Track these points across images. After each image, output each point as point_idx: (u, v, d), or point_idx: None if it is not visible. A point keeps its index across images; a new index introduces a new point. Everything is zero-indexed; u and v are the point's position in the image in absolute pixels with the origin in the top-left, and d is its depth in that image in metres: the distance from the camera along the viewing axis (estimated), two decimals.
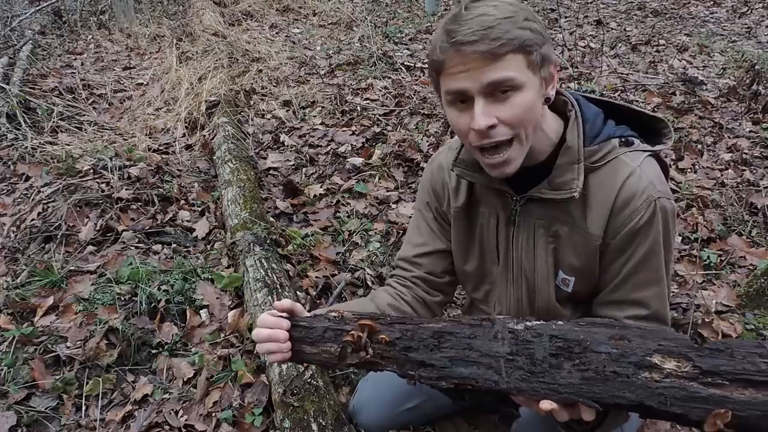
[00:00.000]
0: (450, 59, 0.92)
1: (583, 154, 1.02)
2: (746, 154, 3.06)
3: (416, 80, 4.23)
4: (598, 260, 1.09)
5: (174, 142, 3.39)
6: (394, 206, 2.75)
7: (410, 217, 2.63)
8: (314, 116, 3.68)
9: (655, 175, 1.03)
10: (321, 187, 2.88)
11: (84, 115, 3.72)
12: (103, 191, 2.66)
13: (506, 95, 0.92)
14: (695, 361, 0.75)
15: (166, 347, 1.91)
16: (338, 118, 3.62)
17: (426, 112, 3.57)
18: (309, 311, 2.05)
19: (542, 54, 0.94)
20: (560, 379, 0.80)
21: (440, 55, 0.93)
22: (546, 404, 0.80)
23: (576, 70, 4.21)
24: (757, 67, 3.90)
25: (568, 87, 3.81)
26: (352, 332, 0.94)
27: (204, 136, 3.42)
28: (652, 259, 1.05)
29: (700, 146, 3.14)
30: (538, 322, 0.86)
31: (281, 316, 1.04)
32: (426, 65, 4.50)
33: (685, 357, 0.75)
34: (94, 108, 3.93)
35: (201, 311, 2.06)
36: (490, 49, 0.88)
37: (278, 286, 1.98)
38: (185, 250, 2.42)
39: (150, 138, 3.43)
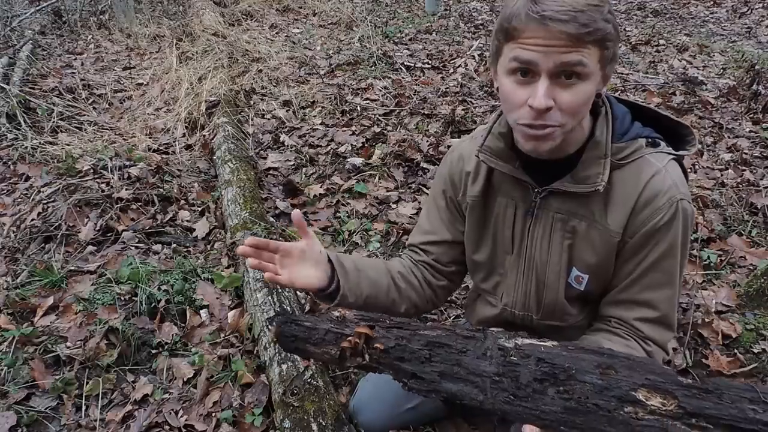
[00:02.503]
0: (531, 30, 0.89)
1: (610, 150, 1.03)
2: (746, 154, 3.06)
3: (416, 80, 4.23)
4: (615, 258, 1.09)
5: (174, 142, 3.39)
6: (394, 206, 2.75)
7: (410, 217, 2.64)
8: (314, 116, 3.68)
9: (679, 178, 1.04)
10: (321, 187, 2.88)
11: (84, 115, 3.72)
12: (103, 191, 2.66)
13: (570, 82, 0.91)
14: (681, 400, 0.73)
15: (166, 347, 1.91)
16: (338, 118, 3.62)
17: (426, 112, 3.57)
18: (309, 310, 2.06)
19: (614, 52, 0.94)
20: (543, 405, 0.81)
21: (522, 21, 0.89)
22: (527, 429, 0.83)
23: None
24: (757, 67, 3.91)
25: None
26: (350, 338, 0.96)
27: (204, 136, 3.42)
28: (667, 261, 1.05)
29: (700, 146, 3.14)
30: (528, 341, 0.86)
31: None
32: (426, 64, 4.51)
33: (671, 394, 0.74)
34: (94, 108, 3.92)
35: (201, 311, 2.06)
36: (577, 33, 0.86)
37: (278, 286, 1.98)
38: (185, 250, 2.42)
39: (150, 138, 3.43)
